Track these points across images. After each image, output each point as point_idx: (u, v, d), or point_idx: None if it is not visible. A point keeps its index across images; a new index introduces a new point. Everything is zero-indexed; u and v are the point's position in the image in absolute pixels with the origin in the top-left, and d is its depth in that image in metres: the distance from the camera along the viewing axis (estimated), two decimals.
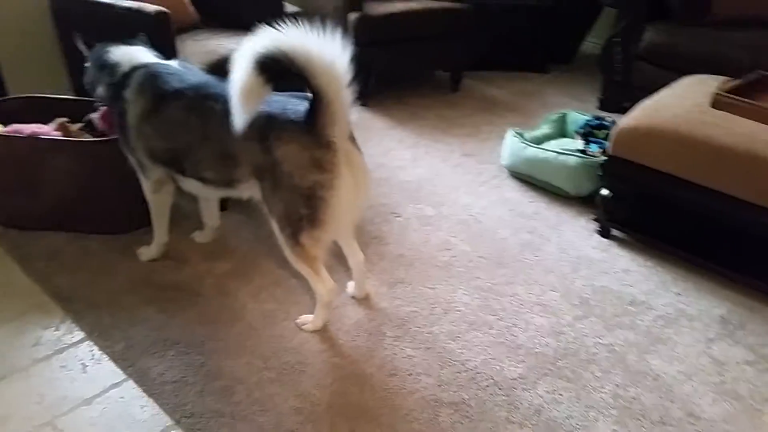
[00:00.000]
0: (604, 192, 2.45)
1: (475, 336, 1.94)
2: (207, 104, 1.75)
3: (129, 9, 2.37)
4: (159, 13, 2.30)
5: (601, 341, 1.95)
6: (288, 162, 1.64)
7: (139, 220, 2.28)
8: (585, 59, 4.52)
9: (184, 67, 1.94)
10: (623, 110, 3.67)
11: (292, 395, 1.70)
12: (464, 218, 2.57)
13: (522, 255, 2.36)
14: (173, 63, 1.96)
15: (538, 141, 2.96)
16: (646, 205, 2.59)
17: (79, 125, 2.31)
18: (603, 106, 3.73)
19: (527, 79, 4.17)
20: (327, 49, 1.51)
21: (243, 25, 2.89)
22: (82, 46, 2.08)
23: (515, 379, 1.79)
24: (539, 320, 2.03)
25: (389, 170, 2.90)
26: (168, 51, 2.35)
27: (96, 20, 2.50)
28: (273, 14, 2.89)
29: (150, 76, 1.86)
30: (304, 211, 1.67)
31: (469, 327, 1.98)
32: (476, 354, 1.87)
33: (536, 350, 1.90)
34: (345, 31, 3.39)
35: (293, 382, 1.75)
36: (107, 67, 1.95)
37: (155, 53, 2.03)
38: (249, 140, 1.66)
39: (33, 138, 2.10)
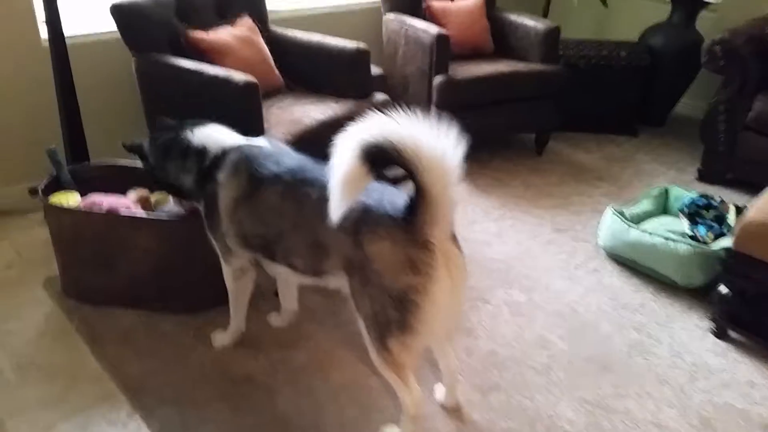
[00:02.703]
0: (723, 289, 2.16)
1: None
2: (302, 190, 1.63)
3: (216, 77, 2.29)
4: (248, 85, 2.20)
5: None
6: (379, 260, 1.48)
7: (211, 300, 2.17)
8: (678, 122, 4.22)
9: (275, 147, 1.82)
10: (726, 183, 3.39)
11: None
12: (560, 308, 2.32)
13: (630, 358, 2.09)
14: (262, 142, 1.85)
15: (639, 219, 2.70)
16: None
17: (157, 195, 2.23)
18: (703, 178, 3.42)
19: (616, 143, 3.90)
20: (439, 143, 1.35)
21: (328, 89, 2.88)
22: (131, 151, 2.00)
23: None
24: None
25: (474, 246, 2.69)
26: (255, 123, 2.27)
27: (181, 87, 2.44)
28: (359, 78, 2.85)
29: (245, 159, 1.76)
30: (393, 314, 1.49)
31: None
32: None
33: None
34: (429, 95, 3.31)
35: None
36: (192, 154, 1.84)
37: (236, 132, 1.92)
38: (340, 231, 1.51)
39: (112, 214, 2.01)
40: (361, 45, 2.78)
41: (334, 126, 2.55)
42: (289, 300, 2.12)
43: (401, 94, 3.40)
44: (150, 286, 2.14)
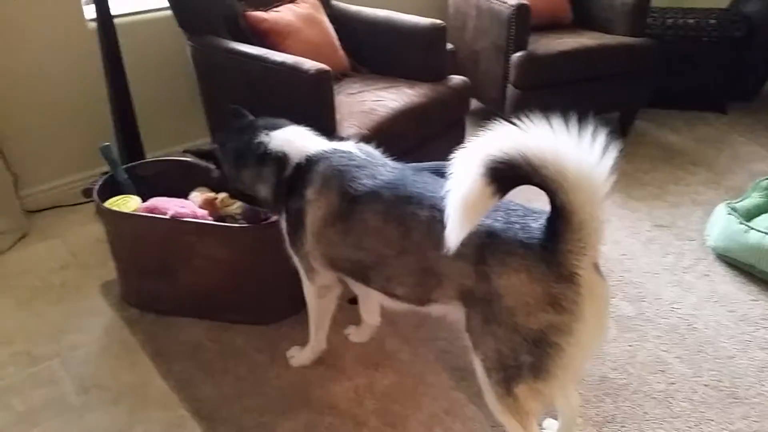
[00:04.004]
0: None
1: None
2: (408, 209, 1.38)
3: (284, 64, 2.04)
4: (320, 73, 1.95)
5: None
6: (512, 296, 1.23)
7: (285, 310, 1.98)
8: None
9: (366, 154, 1.57)
10: None
11: None
12: (674, 323, 2.04)
13: (762, 386, 1.81)
14: (351, 147, 1.59)
15: (749, 215, 2.38)
16: None
17: (223, 195, 2.02)
18: None
19: (705, 121, 3.54)
20: (586, 155, 1.09)
21: (398, 71, 2.55)
22: (196, 160, 1.75)
23: None
24: None
25: None
26: (326, 114, 2.02)
27: (243, 75, 2.20)
28: (435, 59, 2.56)
29: (336, 171, 1.49)
30: (526, 358, 1.25)
31: None
32: None
33: None
34: (505, 73, 3.00)
35: None
36: (269, 161, 1.60)
37: (316, 133, 1.67)
38: (460, 259, 1.27)
39: (176, 221, 1.81)
40: (437, 21, 2.48)
41: (411, 116, 2.31)
42: (371, 314, 1.90)
43: (471, 73, 3.10)
44: (218, 295, 1.95)
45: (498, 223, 1.26)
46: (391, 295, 1.48)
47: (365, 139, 2.04)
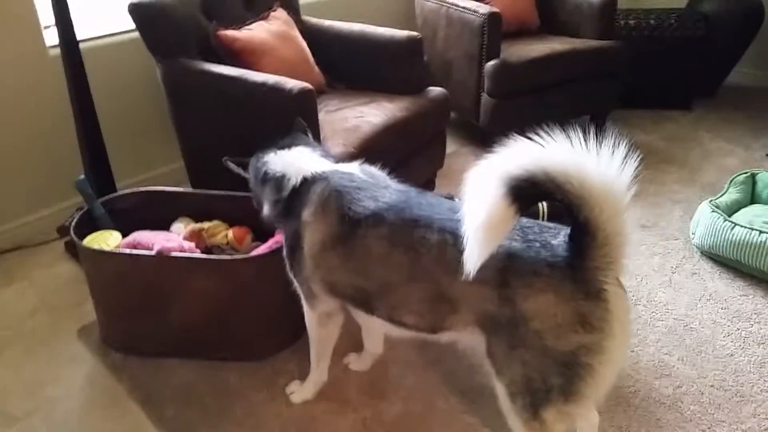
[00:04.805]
0: None
1: None
2: (416, 233, 1.31)
3: (264, 85, 1.95)
4: (303, 92, 1.87)
5: None
6: (540, 318, 1.18)
7: (278, 343, 1.91)
8: (730, 93, 3.94)
9: (368, 175, 1.50)
10: None
11: None
12: (671, 324, 2.04)
13: (764, 381, 1.82)
14: (352, 168, 1.52)
15: (729, 211, 2.42)
16: None
17: (208, 225, 1.92)
18: None
19: (672, 119, 3.61)
20: (609, 169, 1.06)
21: (375, 86, 2.47)
22: (235, 168, 1.70)
23: None
24: None
25: None
26: (310, 135, 1.94)
27: (219, 97, 2.11)
28: (412, 71, 2.52)
29: (334, 193, 1.42)
30: (556, 381, 1.20)
31: None
32: None
33: None
34: (478, 81, 2.98)
35: None
36: (270, 180, 1.54)
37: (323, 153, 1.60)
38: (479, 284, 1.20)
39: (163, 257, 1.70)
40: (413, 33, 2.44)
41: (394, 131, 2.25)
42: (374, 342, 1.83)
43: (443, 83, 3.08)
44: (208, 332, 1.84)
45: (516, 243, 1.21)
46: (399, 323, 1.41)
47: (352, 157, 1.98)
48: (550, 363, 1.19)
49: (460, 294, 1.27)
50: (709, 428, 1.68)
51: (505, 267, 1.20)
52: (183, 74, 2.15)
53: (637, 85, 3.60)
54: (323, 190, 1.44)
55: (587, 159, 1.06)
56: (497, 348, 1.26)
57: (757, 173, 2.62)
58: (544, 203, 1.79)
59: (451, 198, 1.51)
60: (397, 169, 2.24)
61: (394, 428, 1.68)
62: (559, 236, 1.21)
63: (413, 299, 1.35)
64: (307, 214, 1.44)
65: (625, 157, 1.08)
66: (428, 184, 2.71)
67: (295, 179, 1.49)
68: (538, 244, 1.21)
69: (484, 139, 3.16)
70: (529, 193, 1.08)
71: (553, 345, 1.18)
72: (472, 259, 1.12)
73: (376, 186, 1.44)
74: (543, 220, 1.77)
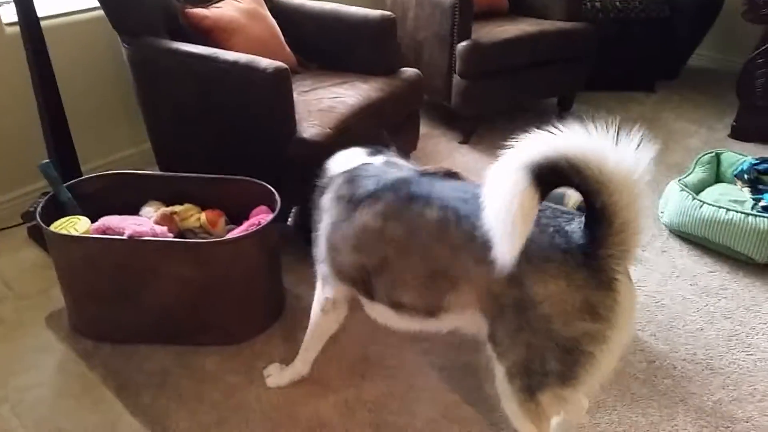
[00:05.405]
0: None
1: None
2: (413, 209, 1.32)
3: (236, 64, 1.90)
4: (278, 72, 1.83)
5: None
6: (550, 303, 1.18)
7: (257, 326, 1.88)
8: (692, 74, 4.03)
9: (390, 165, 1.53)
10: (763, 139, 3.21)
11: None
12: (643, 301, 2.09)
13: (732, 354, 1.89)
14: (377, 159, 1.57)
15: (695, 190, 2.48)
16: None
17: (180, 208, 1.87)
18: (738, 134, 3.24)
19: (637, 100, 3.68)
20: (627, 155, 1.07)
21: (348, 66, 2.43)
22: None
23: None
24: None
25: None
26: (284, 116, 1.92)
27: (189, 78, 2.04)
28: (386, 52, 2.49)
29: (347, 181, 1.48)
30: (556, 365, 1.21)
31: None
32: None
33: None
34: (450, 62, 2.96)
35: None
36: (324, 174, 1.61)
37: (372, 150, 1.62)
38: (486, 264, 1.17)
39: (136, 241, 1.65)
40: (386, 13, 2.41)
41: (370, 111, 2.23)
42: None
43: (414, 64, 3.06)
44: (183, 317, 1.81)
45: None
46: (398, 306, 1.41)
47: (329, 137, 1.96)
48: (554, 347, 1.20)
49: (462, 272, 1.28)
50: (681, 400, 1.73)
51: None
52: (150, 54, 2.08)
53: (603, 67, 3.64)
54: (341, 180, 1.49)
55: (606, 145, 1.06)
56: (501, 331, 1.27)
57: (722, 153, 2.70)
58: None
59: (454, 175, 1.52)
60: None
61: (377, 408, 1.68)
62: (572, 222, 1.21)
63: (410, 276, 1.35)
64: (324, 199, 1.51)
65: (641, 145, 1.08)
66: None
67: (330, 172, 1.56)
68: (551, 229, 1.20)
69: (456, 121, 3.16)
70: (550, 180, 1.07)
71: (559, 330, 1.18)
72: (509, 250, 1.10)
73: (386, 171, 1.46)
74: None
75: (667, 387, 1.77)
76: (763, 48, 3.01)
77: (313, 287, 1.64)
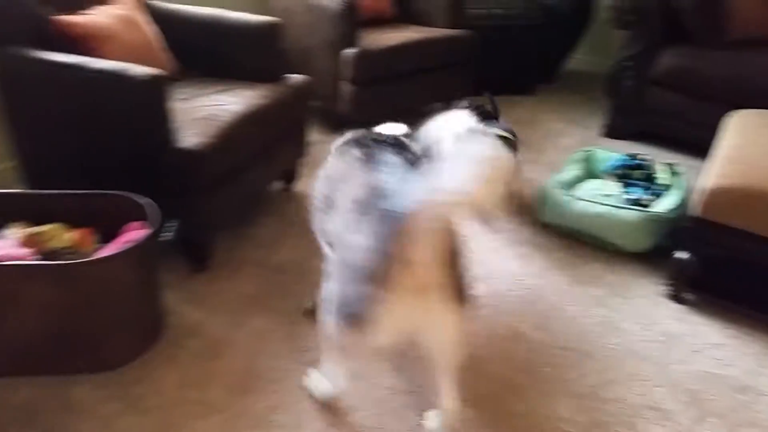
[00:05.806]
0: (683, 255, 2.14)
1: None
2: None
3: (103, 72, 1.81)
4: (154, 80, 1.75)
5: None
6: None
7: (131, 350, 1.79)
8: (568, 78, 4.30)
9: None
10: (633, 137, 3.47)
11: None
12: (523, 294, 2.20)
13: (604, 339, 2.02)
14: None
15: (570, 186, 2.64)
16: (730, 268, 2.30)
17: (46, 228, 1.75)
18: (609, 133, 3.48)
19: (517, 104, 3.86)
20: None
21: (232, 73, 2.36)
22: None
23: None
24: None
25: None
26: (159, 126, 1.85)
27: (57, 88, 1.92)
28: (272, 58, 2.44)
29: None
30: None
31: None
32: None
33: None
34: (338, 70, 2.97)
35: None
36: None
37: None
38: None
39: None
40: (272, 19, 2.38)
41: (254, 119, 2.18)
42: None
43: (301, 70, 3.05)
44: (50, 345, 1.68)
45: None
46: None
47: (209, 147, 1.91)
48: None
49: None
50: (561, 386, 1.82)
51: None
52: (13, 64, 1.93)
53: (486, 72, 3.79)
54: None
55: None
56: None
57: (593, 151, 2.89)
58: None
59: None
60: (258, 157, 2.21)
61: (263, 423, 1.65)
62: None
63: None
64: None
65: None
66: (291, 174, 2.68)
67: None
68: None
69: (346, 127, 3.17)
70: None
71: None
72: None
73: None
74: None
75: (546, 375, 1.86)
76: (629, 52, 3.24)
77: (197, 306, 1.59)
